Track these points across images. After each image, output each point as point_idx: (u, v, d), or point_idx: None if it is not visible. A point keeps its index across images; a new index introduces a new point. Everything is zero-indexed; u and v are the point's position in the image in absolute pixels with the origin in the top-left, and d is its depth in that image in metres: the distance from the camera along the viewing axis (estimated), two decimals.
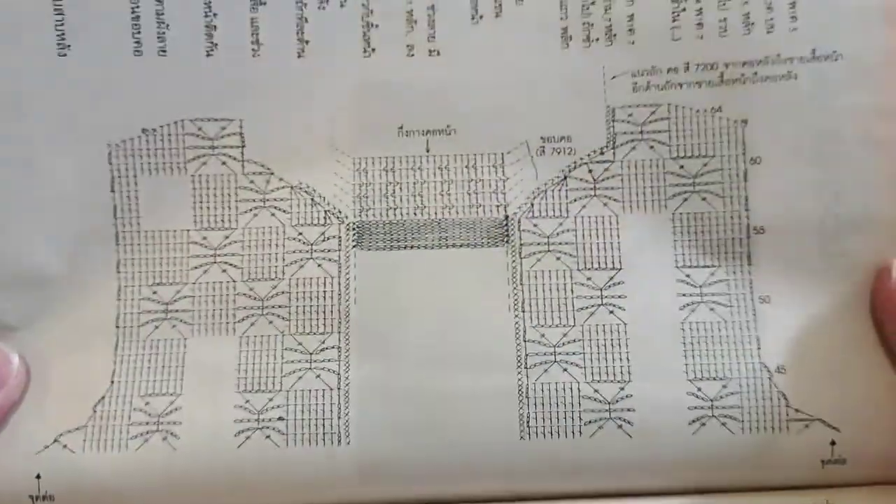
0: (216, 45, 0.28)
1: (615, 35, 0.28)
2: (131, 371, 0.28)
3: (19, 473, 0.27)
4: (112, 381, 0.28)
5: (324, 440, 0.27)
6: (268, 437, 0.27)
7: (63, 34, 0.28)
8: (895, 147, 0.27)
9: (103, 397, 0.28)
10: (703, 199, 0.28)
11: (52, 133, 0.28)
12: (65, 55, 0.28)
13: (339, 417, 0.27)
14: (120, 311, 0.28)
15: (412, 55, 0.28)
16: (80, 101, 0.28)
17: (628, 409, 0.27)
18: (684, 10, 0.28)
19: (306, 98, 0.28)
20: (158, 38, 0.28)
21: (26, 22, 0.27)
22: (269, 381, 0.28)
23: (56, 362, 0.28)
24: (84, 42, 0.28)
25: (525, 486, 0.27)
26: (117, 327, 0.28)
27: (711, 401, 0.27)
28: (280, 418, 0.27)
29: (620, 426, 0.27)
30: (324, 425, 0.27)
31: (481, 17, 0.28)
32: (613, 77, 0.28)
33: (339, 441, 0.27)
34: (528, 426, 0.27)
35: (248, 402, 0.27)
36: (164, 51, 0.28)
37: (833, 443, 0.27)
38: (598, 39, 0.28)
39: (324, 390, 0.27)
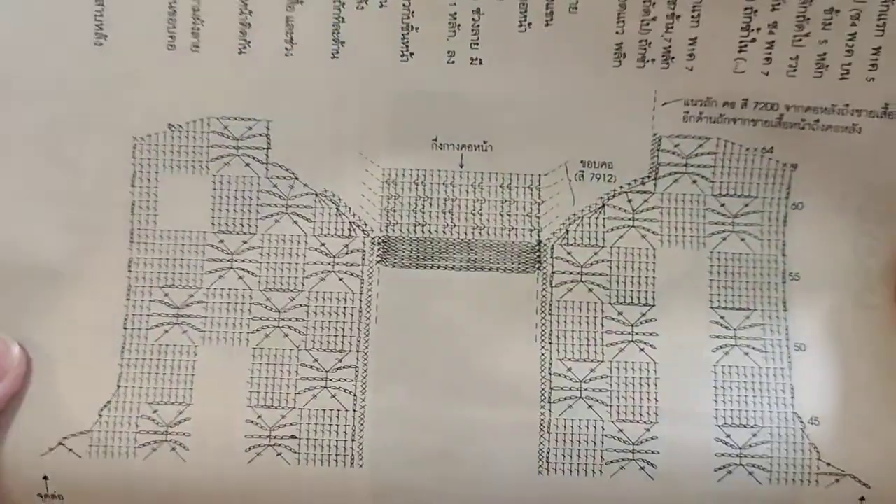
0: (249, 42, 0.27)
1: (673, 58, 0.26)
2: (139, 376, 0.27)
3: (27, 473, 0.26)
4: (118, 386, 0.27)
5: (336, 462, 0.26)
6: (279, 454, 0.26)
7: (101, 24, 0.26)
8: None
9: (109, 402, 0.27)
10: (742, 239, 0.27)
11: (79, 123, 0.27)
12: (101, 44, 0.26)
13: (353, 440, 0.26)
14: (128, 312, 0.27)
15: (452, 62, 0.27)
16: (111, 93, 0.27)
17: (652, 452, 0.26)
18: (754, 40, 0.26)
19: (338, 102, 0.27)
20: (193, 33, 0.27)
21: (66, 9, 0.26)
22: (283, 398, 0.27)
23: (61, 360, 0.27)
24: (120, 33, 0.26)
25: None
26: (125, 328, 0.27)
27: (740, 448, 0.26)
28: (292, 436, 0.26)
29: (643, 468, 0.26)
30: (337, 447, 0.26)
31: (530, 24, 0.26)
32: (664, 103, 0.27)
33: (353, 464, 0.26)
34: (548, 461, 0.26)
35: (259, 417, 0.26)
36: (196, 46, 0.27)
37: (862, 499, 0.26)
38: (653, 60, 0.26)
39: (339, 411, 0.27)
